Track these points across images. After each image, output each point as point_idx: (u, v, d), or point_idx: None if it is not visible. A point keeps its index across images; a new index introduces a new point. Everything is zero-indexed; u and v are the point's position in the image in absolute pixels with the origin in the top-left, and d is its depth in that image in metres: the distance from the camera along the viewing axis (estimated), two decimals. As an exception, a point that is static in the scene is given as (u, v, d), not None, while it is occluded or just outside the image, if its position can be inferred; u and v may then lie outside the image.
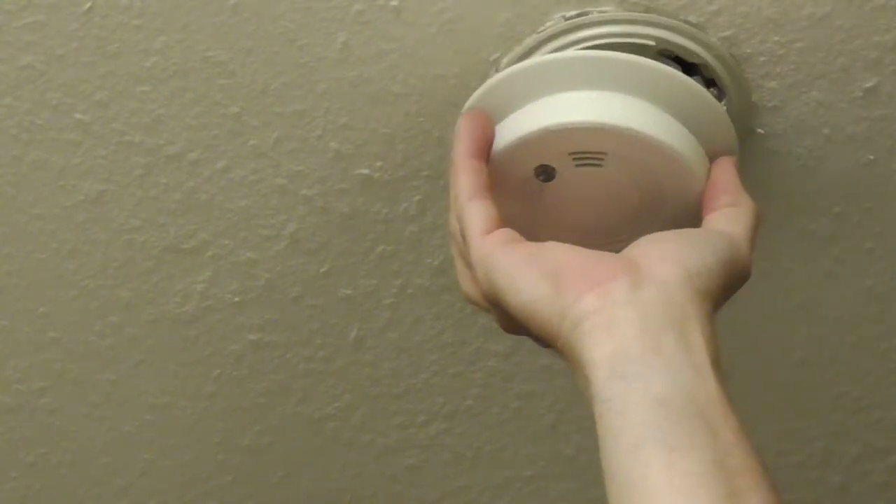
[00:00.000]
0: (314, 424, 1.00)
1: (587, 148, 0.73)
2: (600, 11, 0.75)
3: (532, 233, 0.71)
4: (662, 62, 0.74)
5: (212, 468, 1.03)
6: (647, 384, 0.62)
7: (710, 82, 0.77)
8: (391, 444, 1.02)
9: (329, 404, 0.99)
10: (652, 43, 0.75)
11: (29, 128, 0.81)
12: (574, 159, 0.74)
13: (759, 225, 0.72)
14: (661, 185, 0.75)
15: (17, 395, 0.97)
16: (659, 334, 0.63)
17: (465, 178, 0.72)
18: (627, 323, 0.63)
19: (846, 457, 1.05)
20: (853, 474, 1.06)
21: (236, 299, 0.91)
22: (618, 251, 0.69)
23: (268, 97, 0.80)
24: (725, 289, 0.68)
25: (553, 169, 0.74)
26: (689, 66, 0.76)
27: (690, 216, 0.75)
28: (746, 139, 0.80)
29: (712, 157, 0.75)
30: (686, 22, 0.75)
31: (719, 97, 0.77)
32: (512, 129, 0.73)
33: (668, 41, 0.75)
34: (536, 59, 0.74)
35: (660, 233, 0.70)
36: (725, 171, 0.75)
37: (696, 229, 0.72)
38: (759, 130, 0.80)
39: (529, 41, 0.76)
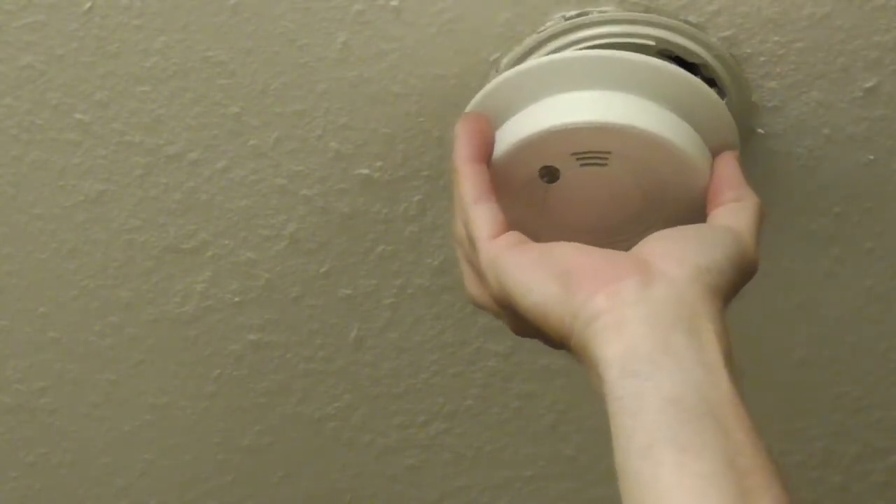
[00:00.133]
0: (314, 424, 1.00)
1: (590, 147, 0.73)
2: (600, 11, 0.75)
3: (537, 235, 0.71)
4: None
5: (212, 468, 1.03)
6: (658, 383, 0.62)
7: (710, 82, 0.77)
8: (391, 444, 1.02)
9: (329, 404, 0.99)
10: (652, 43, 0.75)
11: (29, 128, 0.81)
12: (578, 159, 0.74)
13: (763, 218, 0.73)
14: (665, 183, 0.75)
15: (17, 395, 0.97)
16: (669, 332, 0.63)
17: (468, 183, 0.72)
18: (637, 322, 0.64)
19: (846, 457, 1.05)
20: (853, 474, 1.06)
21: (236, 299, 0.91)
22: (623, 251, 0.69)
23: (268, 97, 0.80)
24: (734, 284, 0.68)
25: (557, 170, 0.74)
26: (689, 67, 0.76)
27: (694, 213, 0.75)
28: (746, 139, 0.80)
29: (714, 153, 0.75)
30: (686, 22, 0.75)
31: (719, 97, 0.77)
32: (514, 131, 0.73)
33: (668, 41, 0.75)
34: (536, 60, 0.74)
35: (667, 230, 0.70)
36: (728, 165, 0.75)
37: (703, 225, 0.72)
38: (759, 130, 0.80)
39: (529, 41, 0.76)
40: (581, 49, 0.75)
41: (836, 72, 0.78)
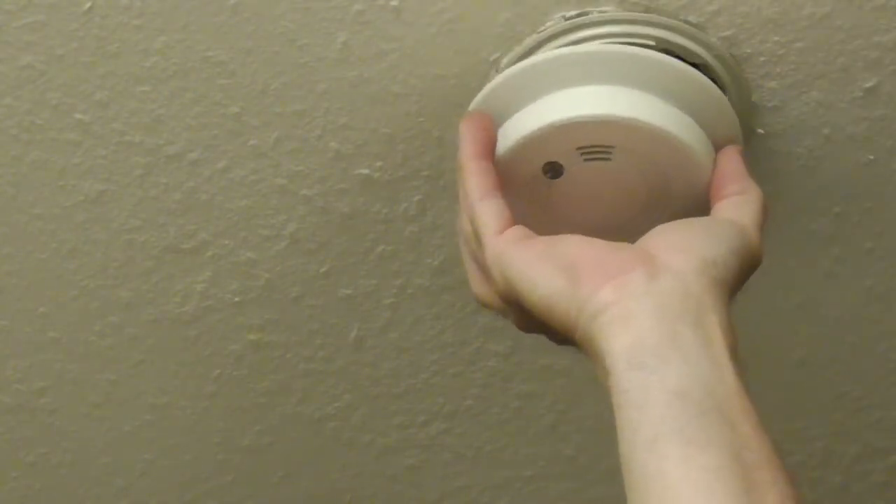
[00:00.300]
0: (314, 424, 1.00)
1: (595, 142, 0.73)
2: (600, 11, 0.75)
3: (541, 233, 0.71)
4: None
5: (212, 468, 1.03)
6: (664, 376, 0.62)
7: (710, 82, 0.77)
8: (391, 444, 1.02)
9: (329, 404, 0.99)
10: (652, 43, 0.75)
11: (29, 128, 0.81)
12: (582, 154, 0.74)
13: (767, 211, 0.73)
14: (669, 178, 0.75)
15: (17, 395, 0.97)
16: (675, 325, 0.63)
17: (473, 179, 0.72)
18: (644, 314, 0.64)
19: (846, 457, 1.05)
20: (853, 474, 1.06)
21: (236, 299, 0.91)
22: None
23: (268, 97, 0.80)
24: (739, 277, 0.68)
25: (561, 166, 0.74)
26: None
27: (697, 209, 0.75)
28: (747, 139, 0.80)
29: (717, 148, 0.75)
30: (686, 22, 0.75)
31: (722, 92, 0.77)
32: (517, 127, 0.73)
33: (668, 41, 0.75)
34: (537, 57, 0.74)
35: (671, 223, 0.71)
36: (731, 159, 0.75)
37: (707, 218, 0.72)
38: (759, 130, 0.80)
39: (529, 41, 0.76)
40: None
41: (836, 72, 0.78)
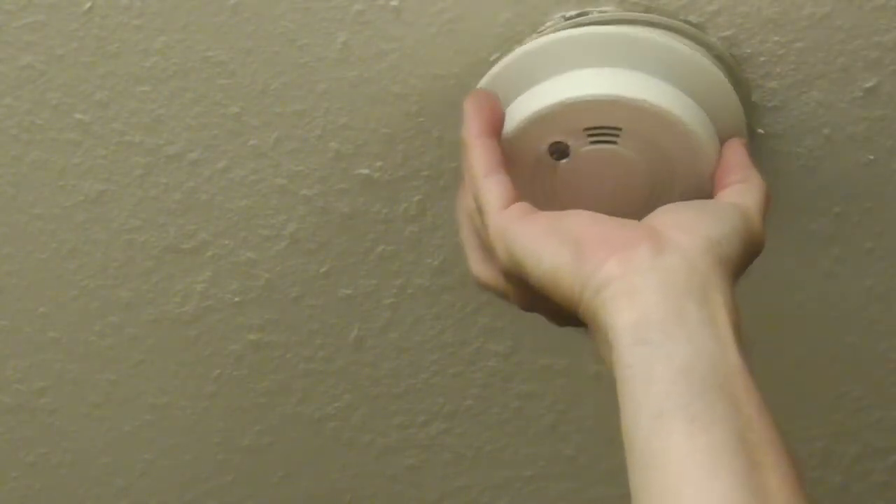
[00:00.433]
0: (314, 424, 1.00)
1: (602, 122, 0.73)
2: (600, 11, 0.75)
3: None
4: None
5: (212, 468, 1.03)
6: (669, 352, 0.61)
7: (710, 82, 0.77)
8: (391, 444, 1.02)
9: (329, 404, 0.99)
10: (652, 43, 0.75)
11: (29, 128, 0.80)
12: (588, 136, 0.74)
13: (770, 201, 0.73)
14: (673, 166, 0.75)
15: (17, 395, 0.97)
16: (681, 301, 0.63)
17: (478, 155, 0.71)
18: (649, 290, 0.63)
19: (846, 457, 1.05)
20: (853, 474, 1.06)
21: (236, 299, 0.91)
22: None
23: (268, 97, 0.80)
24: (743, 259, 0.68)
25: (567, 146, 0.74)
26: (688, 66, 0.76)
27: (702, 199, 0.75)
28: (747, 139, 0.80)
29: (722, 140, 0.75)
30: (686, 22, 0.75)
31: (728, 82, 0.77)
32: (525, 107, 0.73)
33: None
34: (548, 37, 0.74)
35: (676, 203, 0.71)
36: (735, 151, 0.75)
37: (711, 200, 0.73)
38: (760, 130, 0.80)
39: (529, 41, 0.76)
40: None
41: (836, 72, 0.78)
